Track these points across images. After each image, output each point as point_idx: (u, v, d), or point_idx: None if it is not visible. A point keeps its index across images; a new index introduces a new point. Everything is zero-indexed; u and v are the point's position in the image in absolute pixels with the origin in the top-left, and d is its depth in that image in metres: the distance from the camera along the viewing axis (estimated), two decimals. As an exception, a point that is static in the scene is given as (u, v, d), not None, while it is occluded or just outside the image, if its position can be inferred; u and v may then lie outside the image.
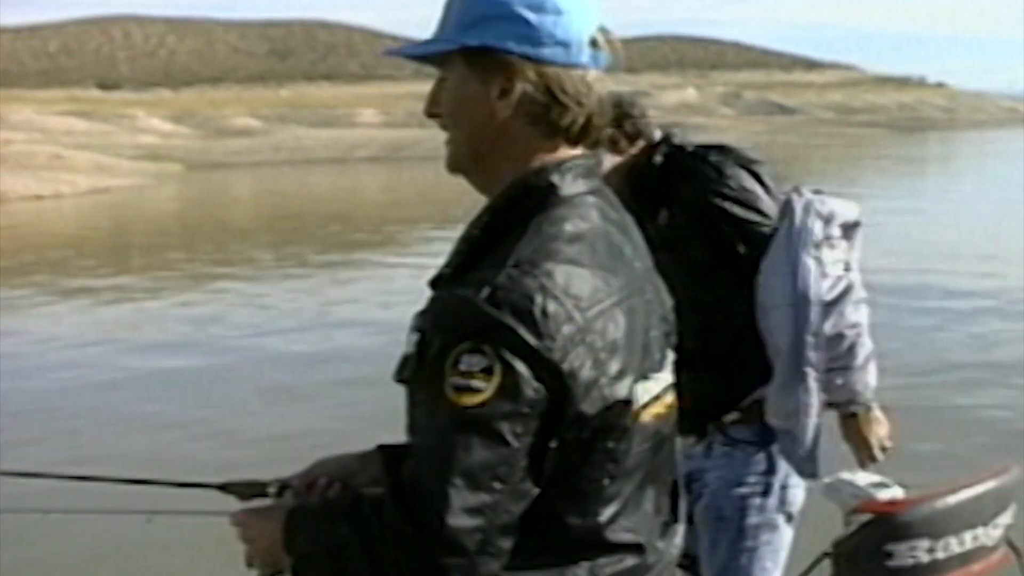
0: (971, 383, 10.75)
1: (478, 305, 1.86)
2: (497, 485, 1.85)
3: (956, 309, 14.40)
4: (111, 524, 4.59)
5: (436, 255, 2.31)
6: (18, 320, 15.34)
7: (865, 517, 3.54)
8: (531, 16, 2.00)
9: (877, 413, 3.76)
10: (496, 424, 1.84)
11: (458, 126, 2.09)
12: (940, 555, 3.47)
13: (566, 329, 1.87)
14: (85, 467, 2.97)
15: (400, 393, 2.03)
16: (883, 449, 3.76)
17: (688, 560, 3.59)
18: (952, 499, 3.53)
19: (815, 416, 3.63)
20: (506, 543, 1.89)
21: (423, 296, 2.01)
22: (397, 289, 15.64)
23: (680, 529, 2.24)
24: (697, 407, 3.62)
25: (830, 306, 3.62)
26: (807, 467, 3.68)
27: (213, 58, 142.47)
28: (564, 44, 2.01)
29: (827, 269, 3.63)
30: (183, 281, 18.79)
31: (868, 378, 3.70)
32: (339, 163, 53.39)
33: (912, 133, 77.57)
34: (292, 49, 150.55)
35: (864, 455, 3.76)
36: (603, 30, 2.07)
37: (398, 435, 2.10)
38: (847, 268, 3.70)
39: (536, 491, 1.90)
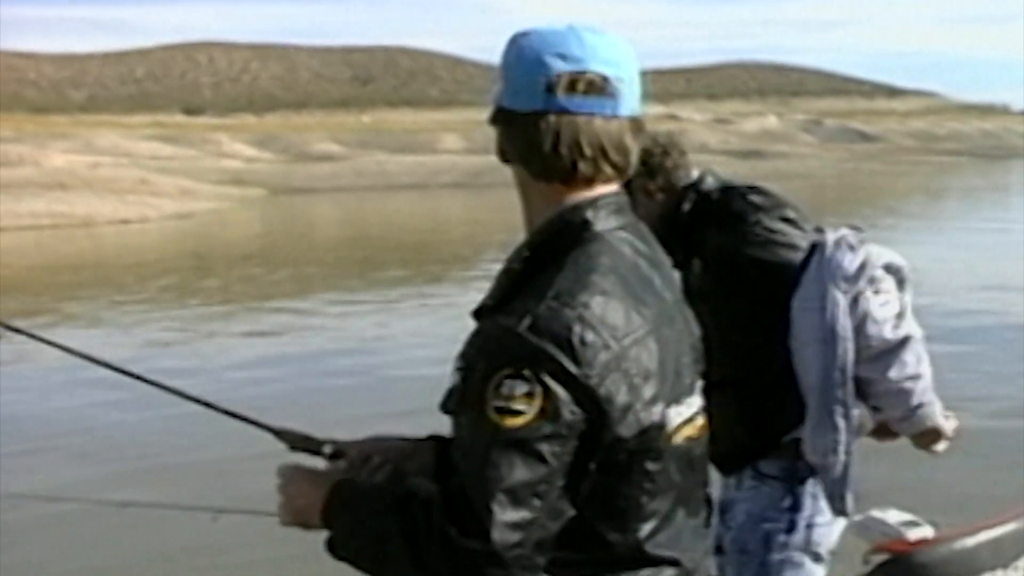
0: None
1: (520, 334, 1.98)
2: (536, 502, 1.97)
3: None
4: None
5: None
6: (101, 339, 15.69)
7: (882, 557, 3.56)
8: (561, 65, 2.09)
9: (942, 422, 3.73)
10: (536, 445, 1.95)
11: (514, 173, 2.24)
12: (958, 597, 3.45)
13: (602, 357, 1.98)
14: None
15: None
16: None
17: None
18: (971, 540, 3.54)
19: (843, 454, 3.63)
20: (540, 559, 2.01)
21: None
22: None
23: (710, 543, 2.42)
24: (733, 450, 3.74)
25: (890, 355, 3.61)
26: (837, 504, 3.71)
27: (296, 83, 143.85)
28: (585, 94, 2.10)
29: (876, 315, 3.61)
30: (266, 308, 19.09)
31: (934, 409, 3.68)
32: (421, 189, 53.57)
33: (996, 161, 76.46)
34: (374, 75, 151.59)
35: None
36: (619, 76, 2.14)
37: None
38: (900, 316, 3.66)
39: (572, 511, 2.02)
